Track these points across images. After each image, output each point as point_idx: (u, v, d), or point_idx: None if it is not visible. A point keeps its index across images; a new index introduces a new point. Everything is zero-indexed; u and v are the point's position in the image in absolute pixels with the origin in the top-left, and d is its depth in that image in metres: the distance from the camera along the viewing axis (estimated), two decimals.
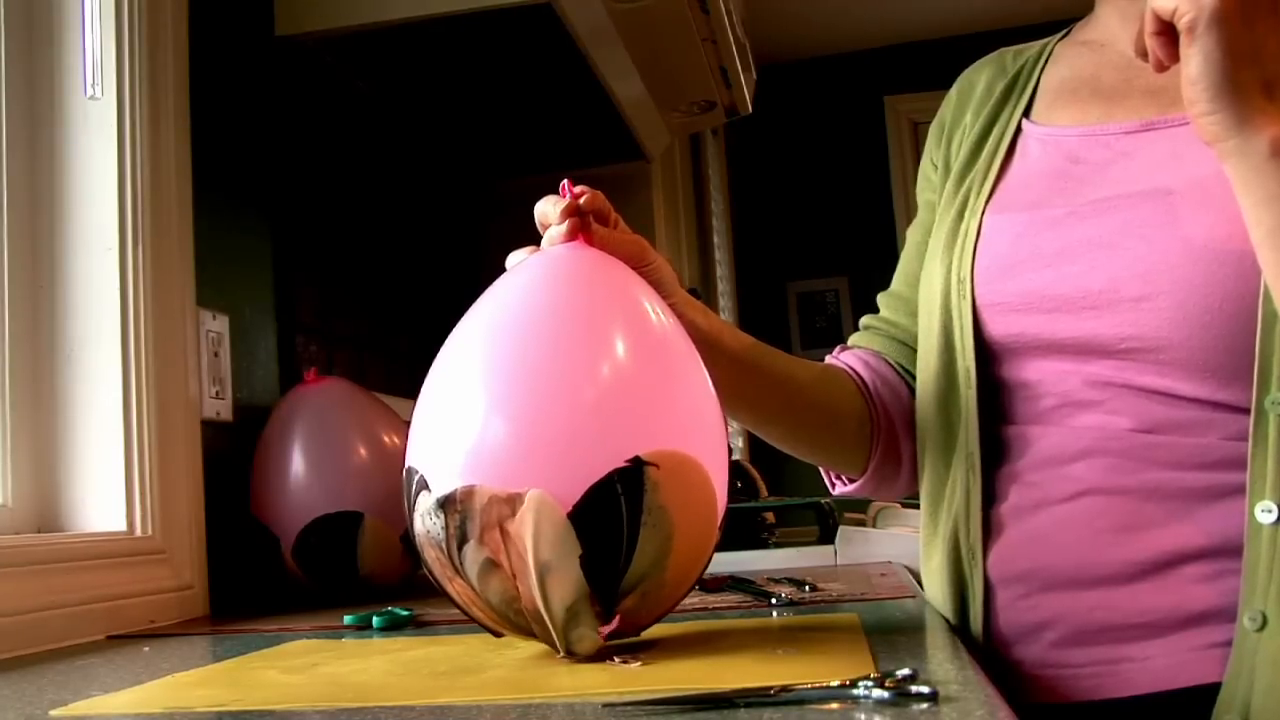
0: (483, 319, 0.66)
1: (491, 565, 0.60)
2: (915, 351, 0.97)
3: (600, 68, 1.63)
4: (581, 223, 0.70)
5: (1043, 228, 0.83)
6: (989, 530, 0.84)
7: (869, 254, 3.90)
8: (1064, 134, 0.89)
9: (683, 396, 0.65)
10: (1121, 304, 0.77)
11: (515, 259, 0.72)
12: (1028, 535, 0.82)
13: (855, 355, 0.99)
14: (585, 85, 1.68)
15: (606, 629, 0.61)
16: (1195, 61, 0.68)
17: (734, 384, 0.87)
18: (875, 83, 4.23)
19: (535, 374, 0.62)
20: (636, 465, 0.59)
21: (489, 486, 0.59)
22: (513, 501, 0.59)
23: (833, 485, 1.02)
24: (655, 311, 0.67)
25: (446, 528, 0.61)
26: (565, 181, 0.72)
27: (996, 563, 0.83)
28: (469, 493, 0.60)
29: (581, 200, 0.71)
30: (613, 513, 0.59)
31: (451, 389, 0.64)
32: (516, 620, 0.62)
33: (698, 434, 0.64)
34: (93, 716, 0.55)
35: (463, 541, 0.60)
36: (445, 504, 0.61)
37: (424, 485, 0.62)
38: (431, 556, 0.63)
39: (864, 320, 1.04)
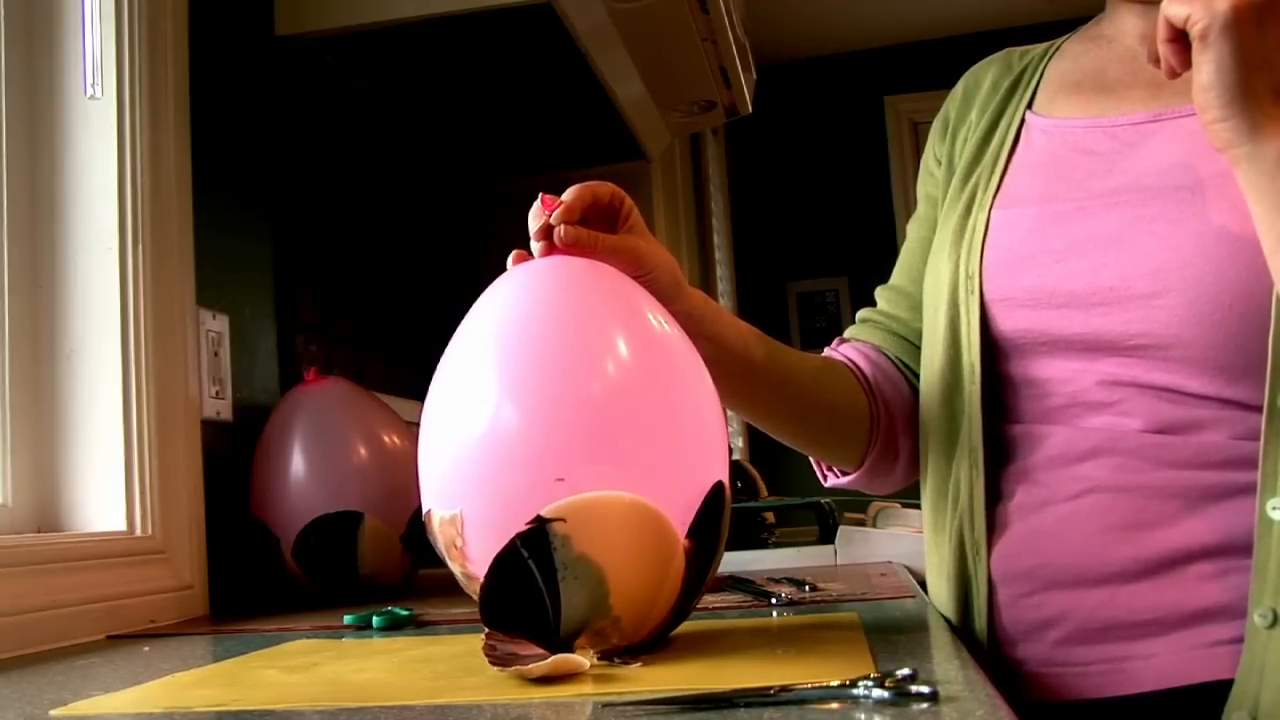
0: (462, 338, 0.66)
1: (467, 578, 0.63)
2: (914, 346, 0.97)
3: (600, 68, 1.63)
4: (551, 245, 0.71)
5: (1051, 223, 0.83)
6: (993, 527, 0.84)
7: (869, 254, 3.89)
8: (1069, 125, 0.88)
9: (654, 410, 0.62)
10: (1132, 300, 0.77)
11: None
12: (1032, 532, 0.82)
13: (855, 348, 0.98)
14: (585, 85, 1.68)
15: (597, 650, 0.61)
16: (1207, 69, 0.68)
17: (736, 384, 0.87)
18: (875, 83, 4.23)
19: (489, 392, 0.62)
20: (540, 525, 0.57)
21: (438, 510, 0.62)
22: (455, 522, 0.61)
23: (824, 477, 1.01)
24: (655, 319, 0.66)
25: (440, 547, 0.64)
26: (541, 194, 0.72)
27: (1000, 560, 0.83)
28: (429, 516, 0.64)
29: (551, 217, 0.71)
30: (525, 577, 0.58)
31: (429, 415, 0.65)
32: None
33: (663, 451, 0.62)
34: (93, 716, 0.55)
35: (444, 558, 0.64)
36: (426, 527, 0.65)
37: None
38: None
39: (861, 314, 1.03)
